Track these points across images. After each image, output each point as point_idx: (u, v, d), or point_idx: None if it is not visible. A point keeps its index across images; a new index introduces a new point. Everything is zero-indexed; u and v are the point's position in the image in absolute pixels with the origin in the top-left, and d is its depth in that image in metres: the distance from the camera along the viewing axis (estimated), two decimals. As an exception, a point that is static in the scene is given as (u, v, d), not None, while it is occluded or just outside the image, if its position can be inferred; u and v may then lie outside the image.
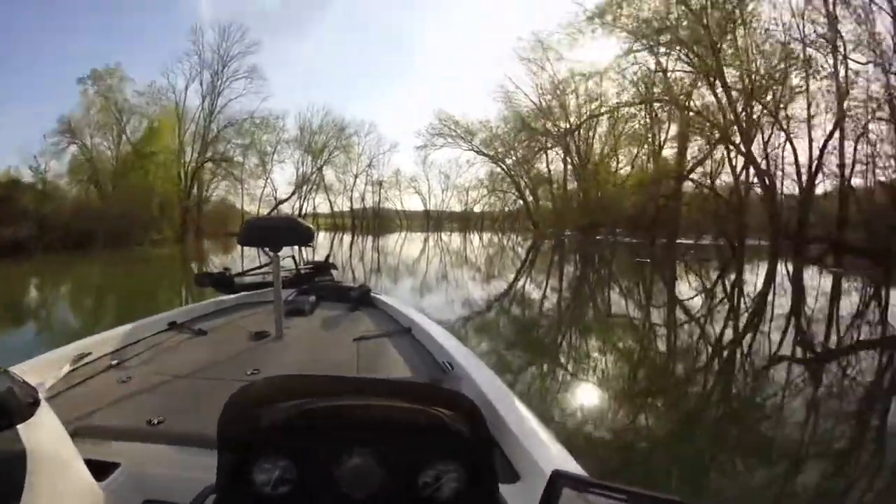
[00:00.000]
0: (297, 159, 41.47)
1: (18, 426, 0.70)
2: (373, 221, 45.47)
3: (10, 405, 0.70)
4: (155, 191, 28.50)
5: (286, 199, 40.51)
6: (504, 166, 40.21)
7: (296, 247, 2.55)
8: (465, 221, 47.91)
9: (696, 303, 8.50)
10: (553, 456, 0.93)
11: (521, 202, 45.49)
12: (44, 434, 0.74)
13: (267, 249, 2.01)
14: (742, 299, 8.98)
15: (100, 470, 0.93)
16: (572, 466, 0.89)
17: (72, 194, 26.60)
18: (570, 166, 35.86)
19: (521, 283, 11.27)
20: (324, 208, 44.32)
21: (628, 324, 6.72)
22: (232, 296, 2.78)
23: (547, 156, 37.82)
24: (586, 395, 3.78)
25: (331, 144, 42.33)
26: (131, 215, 24.90)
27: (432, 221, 48.49)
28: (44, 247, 19.05)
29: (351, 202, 46.14)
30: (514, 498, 0.75)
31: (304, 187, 41.54)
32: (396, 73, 69.86)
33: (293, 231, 2.11)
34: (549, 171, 37.82)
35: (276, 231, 2.11)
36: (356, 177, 45.58)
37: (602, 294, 9.75)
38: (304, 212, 41.20)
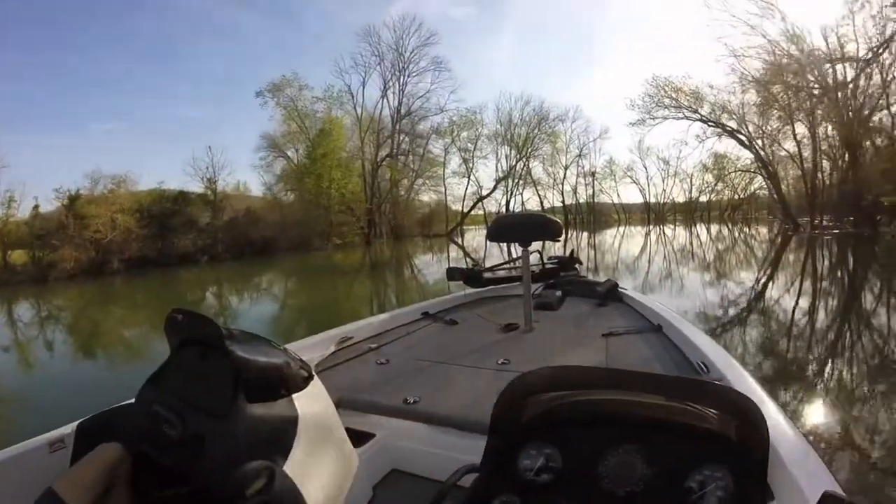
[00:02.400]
0: (499, 153, 40.21)
1: (294, 395, 0.88)
2: (587, 216, 43.66)
3: (289, 377, 0.88)
4: (331, 194, 28.54)
5: (487, 195, 39.93)
6: (745, 138, 32.34)
7: (541, 242, 2.61)
8: (690, 213, 43.77)
9: None
10: (817, 479, 0.82)
11: (755, 188, 39.21)
12: (314, 403, 0.91)
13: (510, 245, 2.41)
14: None
15: (358, 438, 1.10)
16: (836, 490, 0.75)
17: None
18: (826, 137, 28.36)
19: (777, 286, 10.21)
20: (532, 204, 42.68)
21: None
22: (481, 289, 2.99)
23: (793, 127, 29.91)
24: (859, 417, 3.30)
25: (534, 135, 40.18)
26: (306, 221, 26.48)
27: (653, 214, 44.85)
28: (211, 256, 21.37)
29: (562, 196, 43.87)
30: None
31: (510, 181, 40.40)
32: (592, 60, 68.22)
33: (541, 226, 2.22)
34: (799, 145, 30.50)
35: (525, 227, 2.25)
36: (566, 168, 43.35)
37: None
38: (511, 208, 40.12)
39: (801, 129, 29.68)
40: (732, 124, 32.47)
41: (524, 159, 41.26)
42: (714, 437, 0.71)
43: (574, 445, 0.75)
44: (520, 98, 43.07)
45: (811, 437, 2.82)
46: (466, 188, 40.40)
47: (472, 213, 43.44)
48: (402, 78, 35.30)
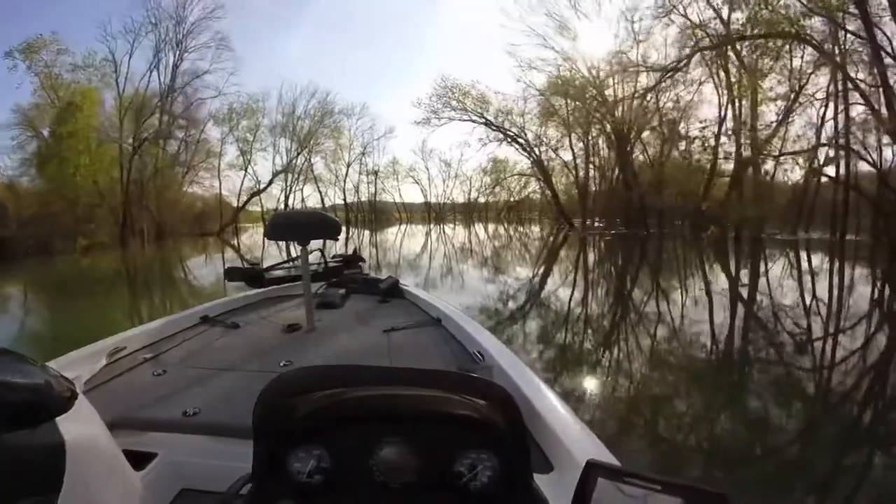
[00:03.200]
0: (279, 146, 38.66)
1: (57, 418, 0.74)
2: (369, 214, 43.96)
3: (49, 398, 0.74)
4: (77, 184, 23.49)
5: (263, 190, 38.11)
6: (523, 144, 35.57)
7: (322, 241, 2.58)
8: (469, 213, 46.62)
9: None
10: (587, 446, 0.96)
11: (529, 191, 43.53)
12: (82, 426, 0.79)
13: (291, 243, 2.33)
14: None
15: (138, 460, 1.00)
16: (606, 457, 0.90)
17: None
18: (597, 150, 32.78)
19: (544, 276, 11.30)
20: (313, 201, 42.15)
21: (659, 313, 6.75)
22: (262, 289, 2.89)
23: (570, 139, 34.60)
24: (619, 386, 3.83)
25: (317, 129, 39.52)
26: (45, 216, 20.95)
27: (433, 214, 47.00)
28: None
29: (344, 193, 44.11)
30: (549, 488, 0.76)
31: (290, 176, 39.29)
32: (391, 62, 69.94)
33: (320, 224, 2.20)
34: (574, 154, 34.90)
35: (304, 224, 2.19)
36: (349, 166, 43.64)
37: (636, 286, 9.63)
38: (290, 205, 39.36)
39: (575, 139, 33.69)
40: (514, 130, 35.35)
41: (306, 153, 39.81)
42: (475, 423, 0.75)
43: (343, 444, 0.76)
44: (305, 89, 41.35)
45: (581, 410, 3.21)
46: (243, 182, 37.42)
47: (252, 210, 40.82)
48: (177, 51, 30.15)
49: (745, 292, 8.69)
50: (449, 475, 0.74)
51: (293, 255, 3.17)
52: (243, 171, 37.18)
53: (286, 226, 2.38)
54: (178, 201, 31.68)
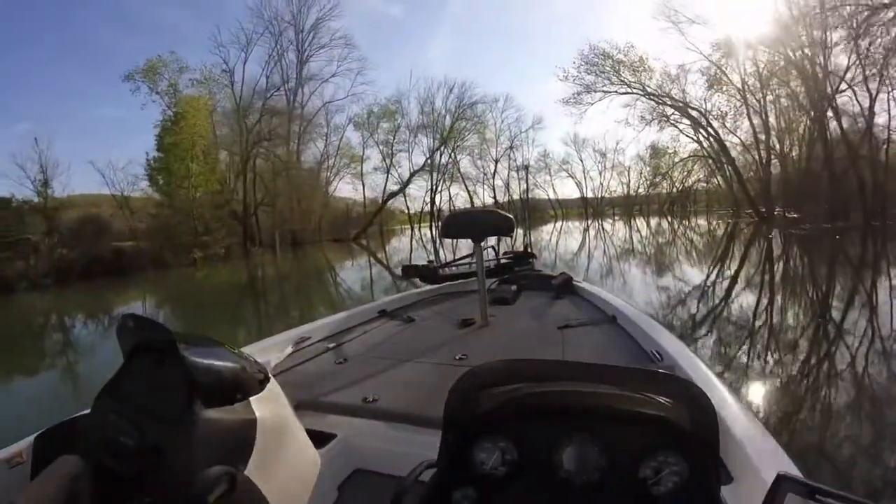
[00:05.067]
0: (423, 145, 38.67)
1: (251, 398, 0.87)
2: (521, 212, 42.63)
3: (245, 380, 0.88)
4: (190, 194, 23.52)
5: (400, 191, 38.24)
6: (697, 119, 30.23)
7: (496, 237, 2.67)
8: (629, 207, 44.17)
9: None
10: (773, 459, 0.91)
11: (693, 181, 39.47)
12: (272, 405, 0.91)
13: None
14: None
15: (319, 439, 1.10)
16: (793, 471, 0.85)
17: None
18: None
19: (730, 276, 10.42)
20: (461, 201, 41.87)
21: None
22: (436, 286, 3.09)
23: (748, 110, 28.09)
24: (813, 400, 3.56)
25: (460, 125, 38.70)
26: (157, 229, 21.75)
27: (590, 209, 45.10)
28: (30, 281, 15.66)
29: (493, 191, 43.29)
30: (730, 499, 0.74)
31: (434, 175, 39.06)
32: (533, 52, 69.99)
33: (495, 222, 2.29)
34: (755, 130, 28.85)
35: (478, 222, 2.31)
36: (496, 161, 42.86)
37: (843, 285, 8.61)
38: (437, 206, 39.75)
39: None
40: (683, 104, 30.48)
41: (450, 151, 39.77)
42: (665, 424, 0.73)
43: (528, 437, 0.78)
44: (443, 83, 40.92)
45: (766, 420, 3.02)
46: (386, 184, 38.61)
47: (401, 214, 42.13)
48: (299, 54, 32.40)
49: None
50: (633, 477, 0.73)
51: (463, 254, 3.40)
52: (385, 174, 38.14)
53: (461, 224, 2.48)
54: (315, 207, 33.17)
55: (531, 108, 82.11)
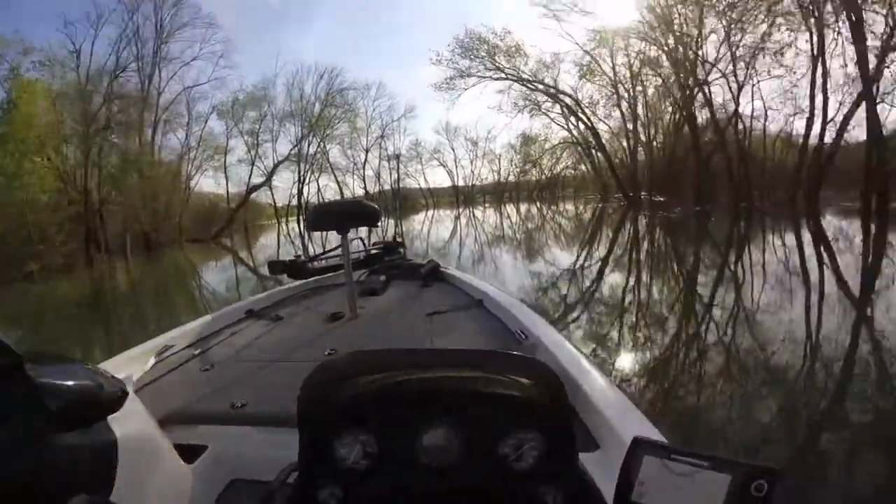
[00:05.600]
0: (292, 135, 37.10)
1: (109, 417, 0.80)
2: (392, 202, 42.54)
3: (100, 398, 0.80)
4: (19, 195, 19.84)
5: (264, 183, 36.43)
6: (570, 107, 31.09)
7: (364, 228, 2.71)
8: (499, 195, 45.36)
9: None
10: (633, 424, 0.98)
11: (561, 168, 41.66)
12: (132, 423, 0.84)
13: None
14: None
15: (189, 453, 1.04)
16: (653, 434, 0.91)
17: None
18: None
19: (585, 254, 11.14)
20: (331, 192, 40.78)
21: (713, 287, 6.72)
22: (304, 280, 3.06)
23: (618, 97, 30.27)
24: (667, 363, 3.93)
25: (330, 113, 37.78)
26: None
27: (461, 197, 45.79)
28: None
29: (364, 181, 43.03)
30: (595, 466, 0.79)
31: (302, 167, 37.85)
32: (407, 42, 70.01)
33: (359, 213, 2.31)
34: (624, 118, 30.89)
35: (343, 214, 2.33)
36: (367, 151, 42.48)
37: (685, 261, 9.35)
38: (306, 197, 38.60)
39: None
40: (555, 91, 31.16)
41: (319, 140, 38.44)
42: (519, 402, 0.77)
43: (387, 428, 0.78)
44: (313, 69, 39.00)
45: (628, 389, 3.23)
46: (250, 177, 36.06)
47: (271, 208, 40.28)
48: (158, 34, 28.54)
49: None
50: (494, 456, 0.75)
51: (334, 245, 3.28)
52: (251, 166, 35.91)
53: (326, 216, 2.44)
54: (175, 205, 29.59)
55: (404, 96, 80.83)
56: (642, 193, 29.36)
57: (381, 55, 67.43)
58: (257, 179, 36.44)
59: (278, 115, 36.52)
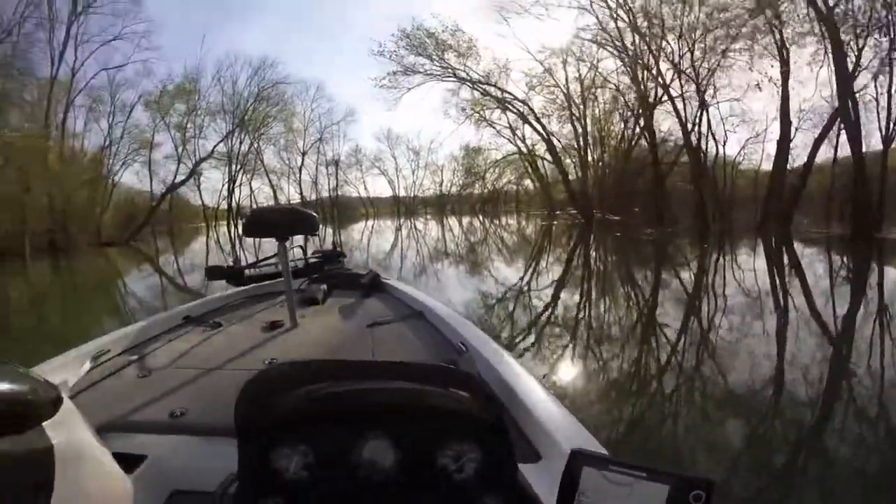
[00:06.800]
0: (223, 132, 35.13)
1: (44, 424, 0.77)
2: (330, 210, 42.01)
3: (33, 404, 0.78)
4: None
5: (182, 183, 34.20)
6: (521, 111, 29.52)
7: (303, 236, 2.75)
8: (441, 207, 45.71)
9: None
10: (573, 435, 1.00)
11: (504, 182, 42.23)
12: (69, 430, 0.82)
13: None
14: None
15: (128, 463, 1.02)
16: (594, 445, 0.94)
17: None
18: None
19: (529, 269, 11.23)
20: (264, 196, 40.17)
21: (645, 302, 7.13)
22: (243, 287, 3.03)
23: (571, 111, 29.07)
24: (605, 375, 4.11)
25: (261, 108, 36.28)
26: None
27: (403, 208, 45.77)
28: None
29: (300, 186, 42.23)
30: (536, 477, 0.81)
31: (233, 167, 36.42)
32: (350, 45, 69.51)
33: (298, 220, 2.29)
34: (577, 130, 29.89)
35: (281, 221, 2.30)
36: (304, 154, 41.86)
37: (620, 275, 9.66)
38: (238, 200, 37.50)
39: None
40: (510, 100, 29.64)
41: (252, 139, 37.06)
42: (457, 415, 0.79)
43: (326, 440, 0.80)
44: (246, 61, 36.91)
45: (567, 400, 3.37)
46: (175, 175, 33.93)
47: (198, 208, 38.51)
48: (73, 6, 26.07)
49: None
50: (433, 469, 0.77)
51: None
52: (177, 163, 33.83)
53: (263, 222, 2.43)
54: (94, 202, 27.52)
55: (344, 100, 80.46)
56: (594, 212, 28.34)
57: (321, 55, 67.91)
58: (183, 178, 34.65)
59: (209, 109, 34.83)
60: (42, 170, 23.37)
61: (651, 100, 24.94)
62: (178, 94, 33.27)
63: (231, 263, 3.10)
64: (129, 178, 34.01)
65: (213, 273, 3.14)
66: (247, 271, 3.07)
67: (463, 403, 0.78)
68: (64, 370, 1.61)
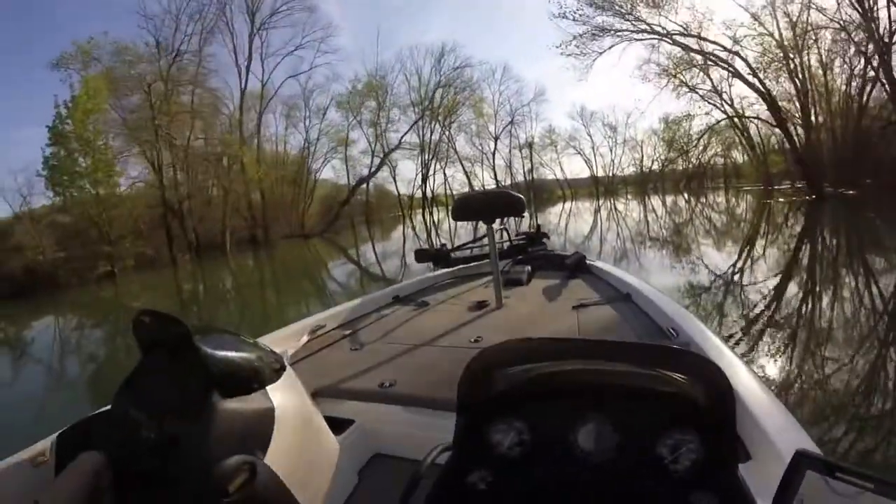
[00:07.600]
0: (413, 122, 36.55)
1: (268, 387, 0.92)
2: (526, 193, 39.45)
3: (261, 369, 0.93)
4: (91, 193, 20.92)
5: (372, 175, 36.08)
6: (741, 67, 24.24)
7: (508, 218, 2.70)
8: (643, 185, 42.46)
9: None
10: (792, 437, 0.91)
11: (711, 155, 37.23)
12: (289, 394, 0.95)
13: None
14: None
15: (337, 426, 1.14)
16: (811, 449, 0.79)
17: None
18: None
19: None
20: (459, 183, 40.31)
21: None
22: (449, 269, 3.23)
23: (800, 58, 23.77)
24: (833, 378, 3.52)
25: (451, 99, 36.61)
26: (60, 241, 18.96)
27: (601, 188, 43.53)
28: None
29: (494, 171, 41.74)
30: (748, 478, 0.74)
31: (425, 156, 37.31)
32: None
33: (505, 203, 2.34)
34: (800, 84, 24.19)
35: (489, 204, 2.38)
36: (496, 139, 41.25)
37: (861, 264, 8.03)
38: (433, 189, 38.29)
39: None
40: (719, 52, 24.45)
41: (443, 127, 37.79)
42: (680, 400, 0.76)
43: (543, 417, 0.80)
44: (428, 52, 38.76)
45: (784, 397, 3.15)
46: (370, 171, 36.55)
47: (408, 200, 40.16)
48: (251, 20, 29.82)
49: None
50: (650, 455, 0.75)
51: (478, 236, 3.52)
52: (370, 157, 36.12)
53: (472, 207, 2.54)
54: (298, 200, 30.85)
55: (532, 80, 79.13)
56: (825, 185, 22.66)
57: (500, 36, 67.67)
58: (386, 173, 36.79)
59: (397, 102, 36.55)
60: (240, 174, 27.75)
61: (888, 38, 19.54)
62: (367, 91, 35.77)
63: (440, 246, 3.28)
64: (328, 173, 37.81)
65: (421, 256, 3.26)
66: (453, 253, 3.24)
67: (689, 389, 0.75)
68: (285, 341, 1.77)
